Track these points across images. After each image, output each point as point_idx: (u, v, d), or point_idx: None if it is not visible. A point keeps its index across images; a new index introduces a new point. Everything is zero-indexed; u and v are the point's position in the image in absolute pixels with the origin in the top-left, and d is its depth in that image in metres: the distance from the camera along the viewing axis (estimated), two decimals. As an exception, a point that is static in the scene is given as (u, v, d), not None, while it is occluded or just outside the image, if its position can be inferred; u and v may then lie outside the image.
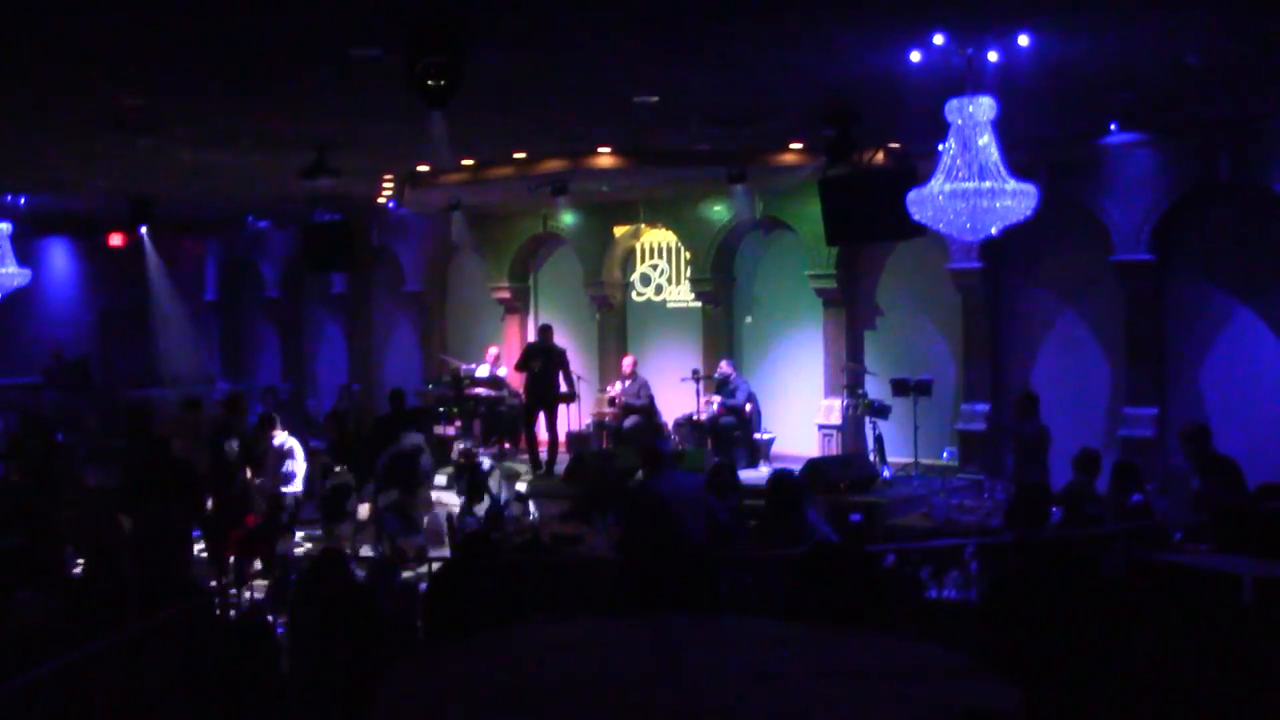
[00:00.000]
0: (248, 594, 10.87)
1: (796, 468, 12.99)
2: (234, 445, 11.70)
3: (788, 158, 13.10)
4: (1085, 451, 10.31)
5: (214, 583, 10.74)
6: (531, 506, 12.49)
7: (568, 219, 16.62)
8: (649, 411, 15.36)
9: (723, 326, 16.12)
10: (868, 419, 14.05)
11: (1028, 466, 11.44)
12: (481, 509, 11.86)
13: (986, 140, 8.91)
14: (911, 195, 9.29)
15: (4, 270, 15.99)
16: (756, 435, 14.88)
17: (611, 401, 15.65)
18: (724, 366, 15.03)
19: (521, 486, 12.86)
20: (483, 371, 16.69)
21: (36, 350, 20.30)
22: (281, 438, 12.06)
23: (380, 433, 13.82)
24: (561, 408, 14.89)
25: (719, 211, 15.69)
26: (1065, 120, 11.71)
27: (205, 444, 11.91)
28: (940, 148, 9.18)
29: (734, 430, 14.52)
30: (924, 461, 13.56)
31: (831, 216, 11.28)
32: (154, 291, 20.14)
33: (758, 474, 14.07)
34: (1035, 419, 11.67)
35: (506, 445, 16.36)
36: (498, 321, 18.51)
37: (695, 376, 15.04)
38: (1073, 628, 3.63)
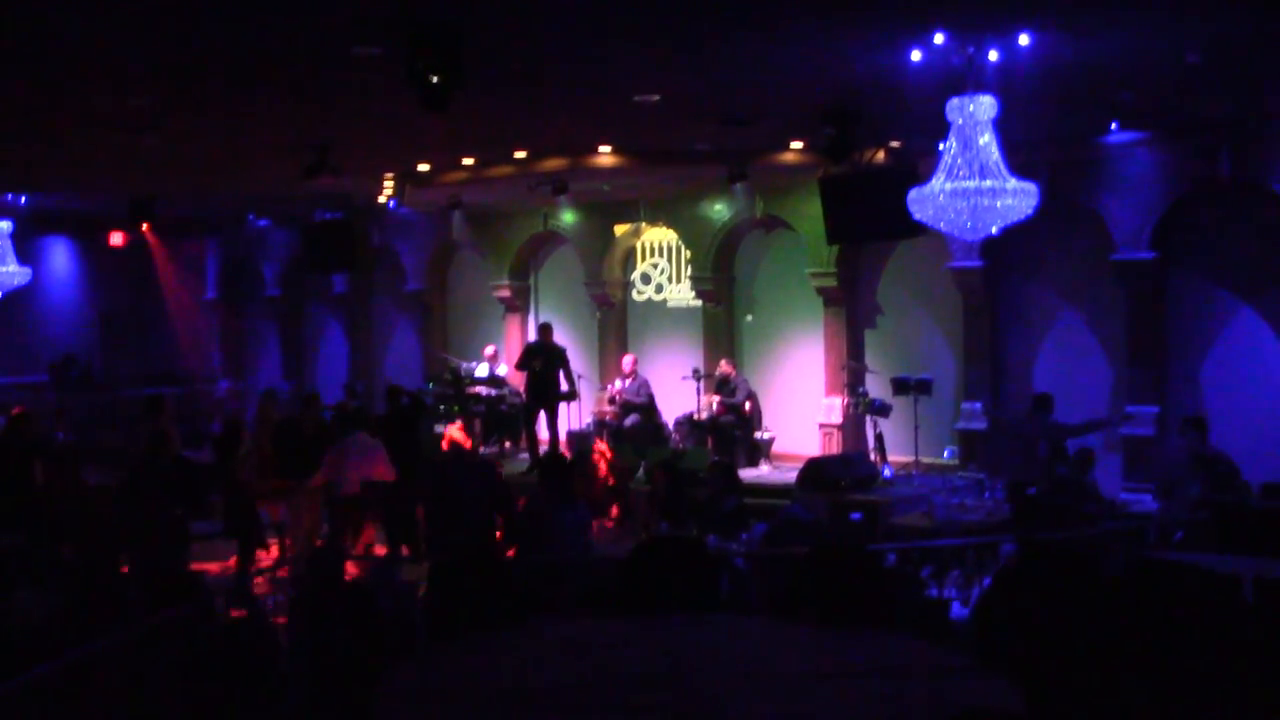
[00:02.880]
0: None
1: (797, 466, 13.05)
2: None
3: (788, 157, 13.08)
4: (1077, 451, 10.37)
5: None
6: None
7: (568, 218, 16.62)
8: (649, 410, 15.37)
9: (723, 325, 16.10)
10: (868, 418, 14.04)
11: (1027, 466, 11.44)
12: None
13: (987, 139, 8.91)
14: (912, 194, 9.29)
15: (4, 269, 16.00)
16: (757, 434, 14.88)
17: (612, 400, 15.64)
18: (724, 365, 15.03)
19: None
20: (481, 370, 16.69)
21: (37, 349, 20.27)
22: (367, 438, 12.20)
23: (384, 432, 13.77)
24: (562, 406, 14.91)
25: (719, 210, 15.69)
26: (1066, 119, 11.70)
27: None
28: (941, 147, 9.18)
29: (734, 429, 14.52)
30: (924, 460, 13.55)
31: (832, 215, 11.30)
32: (164, 287, 20.17)
33: (758, 472, 14.12)
34: (1046, 418, 11.68)
35: (508, 444, 16.38)
36: (498, 321, 18.48)
37: (695, 375, 15.04)
38: (1073, 628, 3.63)
